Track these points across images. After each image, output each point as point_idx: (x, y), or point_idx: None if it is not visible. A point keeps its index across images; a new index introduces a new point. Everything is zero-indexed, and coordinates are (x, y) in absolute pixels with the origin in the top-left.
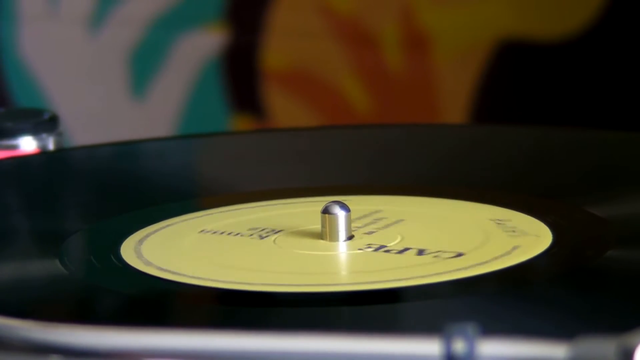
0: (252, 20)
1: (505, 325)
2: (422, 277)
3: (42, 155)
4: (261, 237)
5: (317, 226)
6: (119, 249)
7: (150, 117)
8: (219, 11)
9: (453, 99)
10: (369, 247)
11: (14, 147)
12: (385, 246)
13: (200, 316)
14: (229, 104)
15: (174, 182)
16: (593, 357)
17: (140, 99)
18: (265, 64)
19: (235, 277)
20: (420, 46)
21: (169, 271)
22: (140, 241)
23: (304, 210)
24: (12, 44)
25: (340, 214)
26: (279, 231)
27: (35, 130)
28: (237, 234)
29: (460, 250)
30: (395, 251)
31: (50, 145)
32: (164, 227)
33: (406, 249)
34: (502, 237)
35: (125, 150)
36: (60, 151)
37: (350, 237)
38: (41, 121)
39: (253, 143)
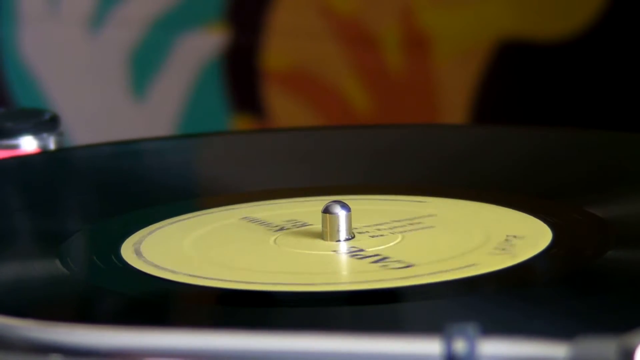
0: (253, 20)
1: (505, 325)
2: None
3: (43, 155)
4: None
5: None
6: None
7: (150, 117)
8: (219, 11)
9: (453, 99)
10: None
11: (15, 147)
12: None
13: (200, 316)
14: (229, 104)
15: (174, 182)
16: (593, 357)
17: (140, 99)
18: (266, 64)
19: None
20: (421, 46)
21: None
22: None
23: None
24: (12, 44)
25: (341, 213)
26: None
27: (35, 130)
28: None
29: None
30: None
31: (51, 145)
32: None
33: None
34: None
35: (126, 150)
36: (60, 151)
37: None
38: (42, 121)
39: (253, 143)
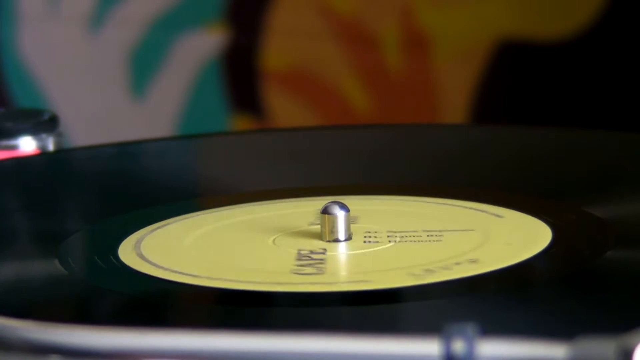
0: (252, 20)
1: (504, 325)
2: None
3: (42, 155)
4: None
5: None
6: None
7: (150, 117)
8: (218, 11)
9: (453, 99)
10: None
11: (14, 148)
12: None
13: (200, 316)
14: (228, 104)
15: (174, 182)
16: (592, 357)
17: (140, 99)
18: (265, 64)
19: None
20: (420, 46)
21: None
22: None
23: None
24: (12, 44)
25: (340, 214)
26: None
27: (35, 130)
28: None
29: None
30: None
31: (50, 146)
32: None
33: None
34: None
35: (125, 150)
36: (59, 152)
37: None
38: (41, 121)
39: (253, 143)
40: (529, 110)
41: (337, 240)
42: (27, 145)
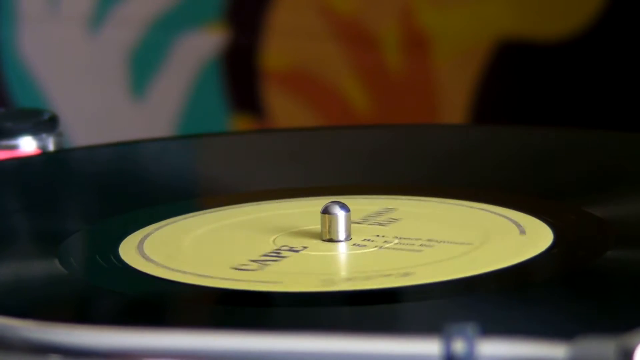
0: (252, 20)
1: (504, 325)
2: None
3: (42, 155)
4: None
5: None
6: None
7: (150, 117)
8: (218, 11)
9: (453, 99)
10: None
11: (14, 148)
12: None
13: (200, 316)
14: (228, 104)
15: (174, 182)
16: (592, 357)
17: (140, 99)
18: (265, 64)
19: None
20: (420, 47)
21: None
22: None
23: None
24: (12, 44)
25: (340, 214)
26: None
27: (35, 130)
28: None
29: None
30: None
31: (50, 146)
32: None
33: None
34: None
35: (125, 150)
36: (60, 151)
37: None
38: (41, 121)
39: (253, 143)
40: (529, 110)
41: (331, 240)
42: (27, 145)
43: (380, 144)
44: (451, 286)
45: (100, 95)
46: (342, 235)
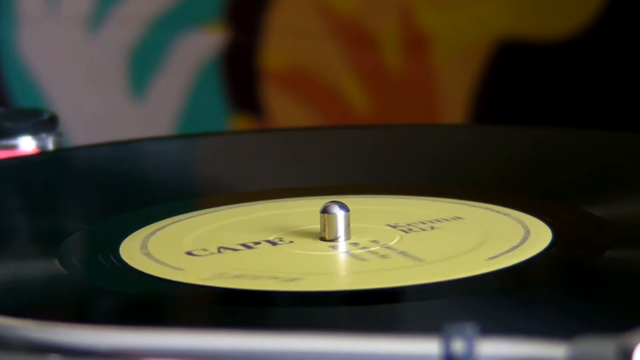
0: (252, 20)
1: (504, 325)
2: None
3: (41, 155)
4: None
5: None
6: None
7: (149, 117)
8: (218, 11)
9: (452, 99)
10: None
11: (14, 147)
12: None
13: (200, 316)
14: (228, 104)
15: (174, 182)
16: (592, 357)
17: (139, 98)
18: (265, 64)
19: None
20: (420, 46)
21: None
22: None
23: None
24: (11, 44)
25: (340, 213)
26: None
27: (34, 130)
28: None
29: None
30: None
31: (50, 145)
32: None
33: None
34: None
35: (125, 150)
36: (59, 151)
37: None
38: (40, 121)
39: (253, 143)
40: (529, 110)
41: (323, 239)
42: (26, 145)
43: (380, 144)
44: (451, 286)
45: (99, 95)
46: (341, 235)
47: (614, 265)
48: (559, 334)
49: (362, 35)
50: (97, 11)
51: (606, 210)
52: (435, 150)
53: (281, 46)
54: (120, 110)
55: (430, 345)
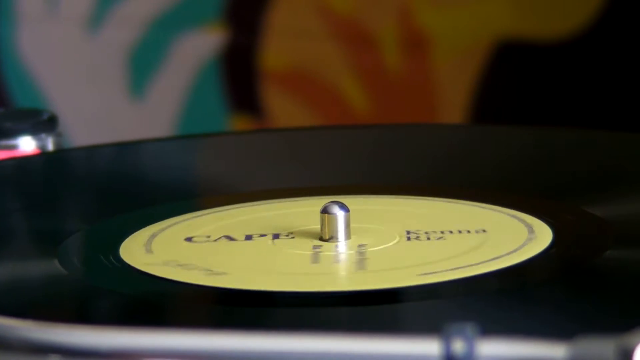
0: (251, 20)
1: (504, 325)
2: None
3: (41, 155)
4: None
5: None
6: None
7: (149, 117)
8: (218, 11)
9: (452, 99)
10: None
11: (13, 148)
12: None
13: (200, 316)
14: (227, 104)
15: (174, 182)
16: (592, 357)
17: (139, 99)
18: (264, 64)
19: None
20: (419, 46)
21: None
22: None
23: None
24: (11, 44)
25: (340, 214)
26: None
27: (34, 130)
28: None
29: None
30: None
31: (50, 146)
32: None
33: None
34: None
35: (124, 150)
36: (59, 151)
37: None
38: (40, 121)
39: (253, 143)
40: (528, 110)
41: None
42: (26, 145)
43: (380, 144)
44: (451, 286)
45: (99, 95)
46: (341, 235)
47: (614, 265)
48: (559, 334)
49: (362, 35)
50: (97, 11)
51: (606, 210)
52: (435, 150)
53: (281, 46)
54: (120, 110)
55: (431, 346)
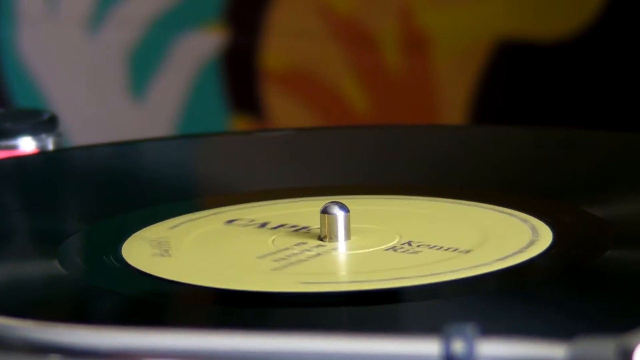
0: (251, 20)
1: (504, 325)
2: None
3: (41, 155)
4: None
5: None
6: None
7: (149, 117)
8: (218, 11)
9: (452, 99)
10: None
11: (13, 148)
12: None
13: (200, 316)
14: (228, 105)
15: (174, 182)
16: (592, 357)
17: (139, 99)
18: (264, 65)
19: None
20: (419, 46)
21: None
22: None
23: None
24: (11, 45)
25: (340, 214)
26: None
27: (34, 130)
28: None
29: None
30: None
31: (50, 146)
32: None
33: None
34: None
35: (125, 150)
36: (59, 151)
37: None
38: (40, 121)
39: (253, 143)
40: (528, 110)
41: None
42: (26, 145)
43: (380, 144)
44: (451, 286)
45: (99, 96)
46: (341, 235)
47: (614, 266)
48: (559, 334)
49: (362, 35)
50: (97, 11)
51: (606, 211)
52: (435, 151)
53: (281, 46)
54: (120, 110)
55: (431, 346)
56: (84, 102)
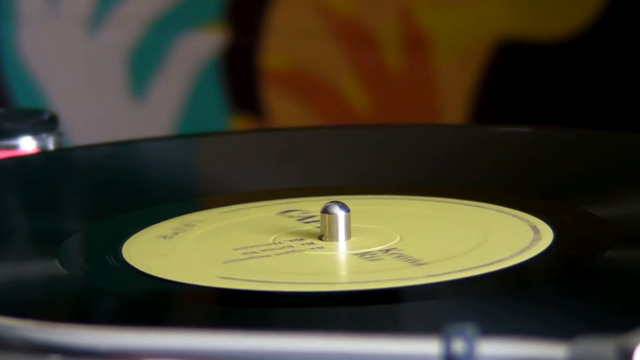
0: (252, 20)
1: (504, 325)
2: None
3: (42, 155)
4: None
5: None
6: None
7: (149, 117)
8: (218, 11)
9: (452, 99)
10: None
11: (14, 147)
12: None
13: (200, 316)
14: (228, 105)
15: (174, 182)
16: (592, 357)
17: (139, 99)
18: (265, 64)
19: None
20: (420, 46)
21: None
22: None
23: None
24: (11, 45)
25: (340, 214)
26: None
27: (34, 130)
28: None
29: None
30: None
31: (50, 146)
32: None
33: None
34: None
35: (125, 150)
36: (59, 151)
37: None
38: (41, 121)
39: (253, 143)
40: (528, 110)
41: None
42: (27, 145)
43: (380, 144)
44: (451, 286)
45: (99, 96)
46: (341, 235)
47: (615, 265)
48: (559, 334)
49: (362, 35)
50: (97, 11)
51: (606, 211)
52: (435, 150)
53: (281, 46)
54: (120, 110)
55: (431, 346)
56: (84, 102)
